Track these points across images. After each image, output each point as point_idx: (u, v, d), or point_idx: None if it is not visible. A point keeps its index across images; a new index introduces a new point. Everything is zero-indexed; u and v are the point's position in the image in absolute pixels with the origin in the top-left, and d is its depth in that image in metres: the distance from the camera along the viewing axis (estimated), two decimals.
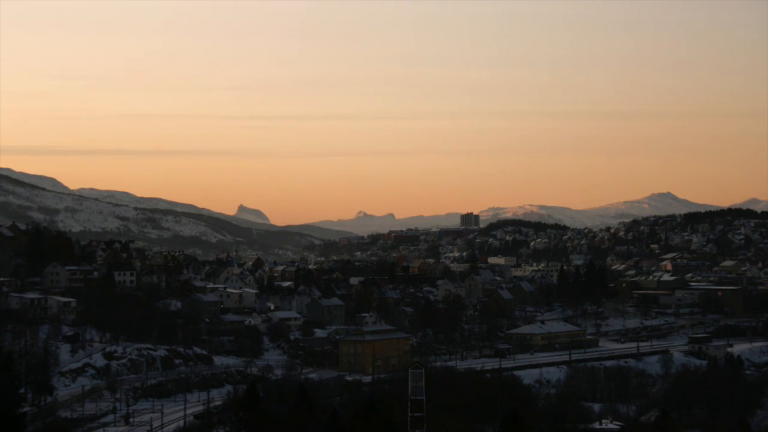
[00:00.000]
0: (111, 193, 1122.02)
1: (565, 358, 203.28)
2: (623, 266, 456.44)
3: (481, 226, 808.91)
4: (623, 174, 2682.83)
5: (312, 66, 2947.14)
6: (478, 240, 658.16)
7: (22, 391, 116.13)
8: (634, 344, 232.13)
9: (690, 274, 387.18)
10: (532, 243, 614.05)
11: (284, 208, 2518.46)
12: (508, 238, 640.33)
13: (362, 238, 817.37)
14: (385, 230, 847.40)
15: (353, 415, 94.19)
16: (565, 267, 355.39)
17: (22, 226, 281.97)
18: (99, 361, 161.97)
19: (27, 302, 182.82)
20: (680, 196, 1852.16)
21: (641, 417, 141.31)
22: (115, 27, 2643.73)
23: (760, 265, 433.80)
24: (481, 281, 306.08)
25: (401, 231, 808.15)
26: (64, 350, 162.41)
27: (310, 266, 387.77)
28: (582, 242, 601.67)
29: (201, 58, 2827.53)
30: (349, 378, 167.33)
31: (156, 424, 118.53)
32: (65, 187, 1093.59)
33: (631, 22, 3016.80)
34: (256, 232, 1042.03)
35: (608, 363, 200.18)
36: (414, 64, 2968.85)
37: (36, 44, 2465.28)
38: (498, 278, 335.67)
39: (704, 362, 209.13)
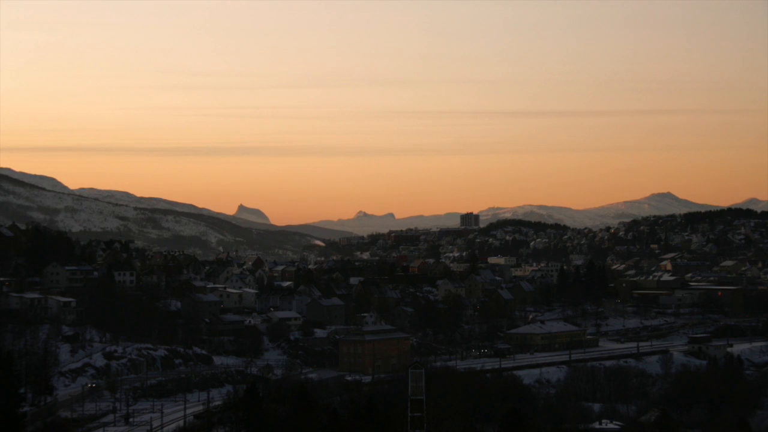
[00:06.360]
0: (111, 193, 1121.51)
1: (565, 358, 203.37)
2: (623, 266, 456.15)
3: (481, 226, 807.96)
4: (623, 174, 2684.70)
5: (312, 65, 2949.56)
6: (478, 240, 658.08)
7: (22, 391, 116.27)
8: (634, 344, 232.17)
9: (690, 274, 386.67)
10: (532, 243, 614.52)
11: (284, 208, 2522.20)
12: (508, 238, 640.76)
13: (362, 238, 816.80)
14: (385, 230, 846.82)
15: (353, 415, 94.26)
16: (565, 267, 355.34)
17: (22, 226, 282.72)
18: (99, 361, 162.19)
19: (27, 302, 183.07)
20: (680, 196, 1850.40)
21: (641, 417, 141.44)
22: (115, 25, 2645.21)
23: (760, 265, 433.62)
24: (481, 281, 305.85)
25: (401, 231, 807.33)
26: (64, 350, 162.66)
27: (310, 266, 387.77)
28: (582, 242, 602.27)
29: (201, 57, 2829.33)
30: (349, 378, 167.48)
31: (156, 424, 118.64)
32: (65, 187, 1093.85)
33: (631, 20, 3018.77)
34: (256, 232, 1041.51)
35: (608, 363, 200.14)
36: (415, 63, 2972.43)
37: (36, 43, 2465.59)
38: (498, 278, 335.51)
39: (704, 362, 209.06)
